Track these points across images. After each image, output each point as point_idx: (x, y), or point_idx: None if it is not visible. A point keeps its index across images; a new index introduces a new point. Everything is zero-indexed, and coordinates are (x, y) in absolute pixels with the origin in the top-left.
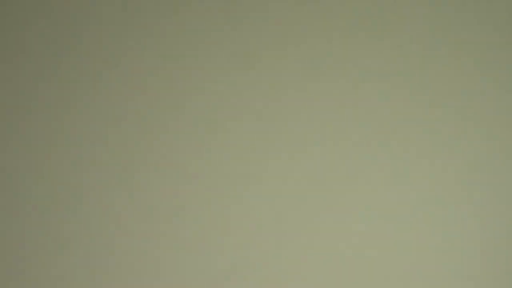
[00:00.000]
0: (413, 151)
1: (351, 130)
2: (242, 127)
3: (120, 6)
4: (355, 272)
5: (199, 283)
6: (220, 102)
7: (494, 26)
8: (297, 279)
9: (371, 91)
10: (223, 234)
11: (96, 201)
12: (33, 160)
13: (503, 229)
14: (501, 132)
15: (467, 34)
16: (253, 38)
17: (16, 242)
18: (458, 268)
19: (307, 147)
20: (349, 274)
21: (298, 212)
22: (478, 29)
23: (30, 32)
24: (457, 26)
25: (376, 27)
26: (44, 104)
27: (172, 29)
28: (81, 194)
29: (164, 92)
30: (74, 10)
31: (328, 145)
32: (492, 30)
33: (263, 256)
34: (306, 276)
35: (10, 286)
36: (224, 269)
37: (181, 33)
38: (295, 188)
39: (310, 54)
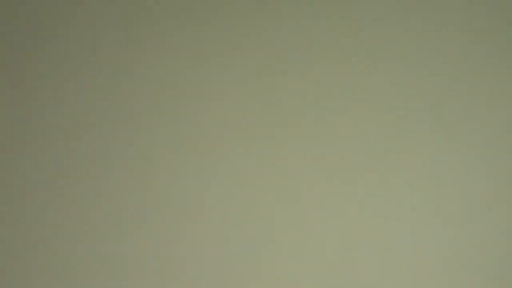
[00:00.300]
0: (414, 153)
1: (352, 130)
2: (243, 127)
3: (124, 9)
4: (355, 275)
5: (199, 284)
6: (223, 103)
7: (493, 30)
8: (296, 282)
9: (372, 91)
10: (220, 236)
11: (98, 202)
12: (36, 160)
13: (507, 232)
14: (503, 133)
15: (467, 36)
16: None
17: (17, 243)
18: (460, 273)
19: (309, 147)
20: (349, 276)
21: (299, 214)
22: (477, 32)
23: (31, 32)
24: (458, 27)
25: (378, 27)
26: (48, 104)
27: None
28: (83, 195)
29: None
30: (78, 9)
31: (330, 146)
32: (492, 33)
33: (263, 258)
34: (306, 280)
35: (10, 286)
36: (221, 274)
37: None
38: (296, 189)
39: (312, 55)
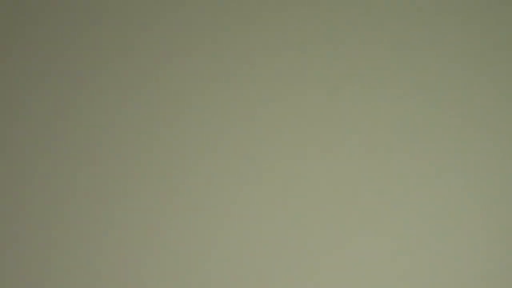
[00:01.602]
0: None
1: (358, 133)
2: (243, 136)
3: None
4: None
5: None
6: (224, 108)
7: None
8: None
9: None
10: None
11: (94, 204)
12: (36, 161)
13: None
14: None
15: (470, 37)
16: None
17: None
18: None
19: (310, 157)
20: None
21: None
22: (479, 33)
23: (30, 32)
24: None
25: (379, 28)
26: (46, 105)
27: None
28: (80, 195)
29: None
30: (74, 11)
31: (332, 157)
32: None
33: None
34: None
35: (11, 286)
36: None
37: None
38: (296, 205)
39: (313, 60)
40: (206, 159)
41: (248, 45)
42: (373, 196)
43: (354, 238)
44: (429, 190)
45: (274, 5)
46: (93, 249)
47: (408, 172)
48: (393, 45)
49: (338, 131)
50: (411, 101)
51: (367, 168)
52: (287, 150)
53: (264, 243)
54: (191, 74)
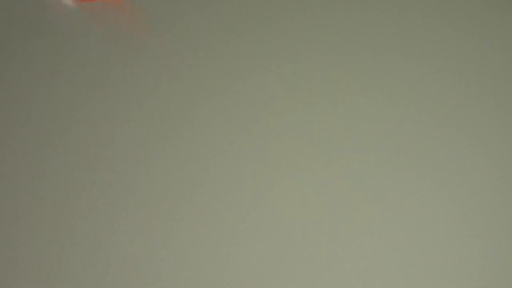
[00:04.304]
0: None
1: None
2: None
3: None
4: None
5: None
6: (224, 110)
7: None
8: None
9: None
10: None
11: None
12: (38, 160)
13: None
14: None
15: (471, 39)
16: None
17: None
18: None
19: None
20: None
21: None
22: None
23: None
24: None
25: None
26: (47, 105)
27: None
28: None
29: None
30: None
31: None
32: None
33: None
34: None
35: (11, 285)
36: None
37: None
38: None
39: (318, 68)
40: (208, 161)
41: (247, 47)
42: (375, 200)
43: (357, 242)
44: (432, 192)
45: (274, 8)
46: (95, 252)
47: (410, 175)
48: (392, 49)
49: (337, 135)
50: (411, 104)
51: (368, 171)
52: (289, 153)
53: (265, 246)
54: (194, 77)
